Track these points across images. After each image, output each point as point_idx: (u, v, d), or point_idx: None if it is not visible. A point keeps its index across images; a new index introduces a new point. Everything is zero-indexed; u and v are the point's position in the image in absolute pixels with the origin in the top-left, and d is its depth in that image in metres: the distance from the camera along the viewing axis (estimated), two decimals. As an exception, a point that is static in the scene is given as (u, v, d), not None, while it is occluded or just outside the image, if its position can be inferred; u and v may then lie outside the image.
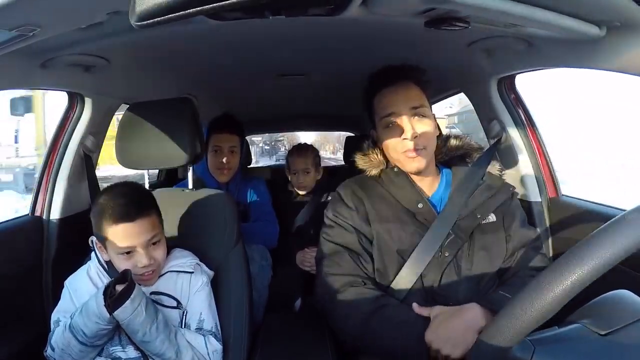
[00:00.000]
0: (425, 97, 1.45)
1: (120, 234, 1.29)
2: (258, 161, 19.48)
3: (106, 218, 1.28)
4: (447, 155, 1.59)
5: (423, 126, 1.41)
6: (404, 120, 1.41)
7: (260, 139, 30.03)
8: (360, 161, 1.57)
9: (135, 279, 1.35)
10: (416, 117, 1.41)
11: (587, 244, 0.62)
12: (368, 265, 1.44)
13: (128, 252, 1.31)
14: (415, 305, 1.29)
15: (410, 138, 1.39)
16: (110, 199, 1.31)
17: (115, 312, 1.20)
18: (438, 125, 1.50)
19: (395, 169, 1.51)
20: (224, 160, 2.35)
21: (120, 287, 1.23)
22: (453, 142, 1.60)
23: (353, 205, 1.48)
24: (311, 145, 2.96)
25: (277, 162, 7.78)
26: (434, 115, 1.49)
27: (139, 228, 1.31)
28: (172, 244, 1.46)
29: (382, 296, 1.35)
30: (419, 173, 1.47)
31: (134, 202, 1.32)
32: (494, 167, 1.58)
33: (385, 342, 1.29)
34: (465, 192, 1.47)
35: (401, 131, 1.41)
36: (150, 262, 1.33)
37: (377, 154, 1.54)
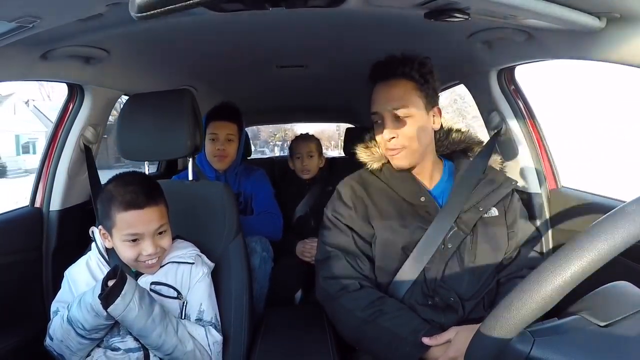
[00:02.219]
0: (417, 93, 1.43)
1: (129, 221, 1.30)
2: (281, 153, 24.49)
3: (115, 204, 1.29)
4: (448, 148, 1.59)
5: (402, 126, 1.42)
6: (384, 120, 1.43)
7: (281, 142, 41.69)
8: (362, 154, 1.57)
9: (137, 265, 1.36)
10: (396, 118, 1.42)
11: (586, 235, 0.62)
12: (364, 266, 1.44)
13: (134, 240, 1.31)
14: (426, 339, 1.25)
15: (387, 139, 1.42)
16: (121, 186, 1.32)
17: (108, 309, 1.21)
18: (440, 117, 1.51)
19: None
20: (220, 147, 2.34)
21: (111, 282, 1.23)
22: (455, 135, 1.60)
23: (352, 204, 1.49)
24: (313, 135, 3.04)
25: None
26: (438, 108, 1.49)
27: (148, 216, 1.32)
28: (172, 235, 1.46)
29: (378, 299, 1.36)
30: (411, 169, 1.48)
31: (144, 190, 1.33)
32: (495, 161, 1.59)
33: (380, 351, 1.32)
34: (468, 185, 1.47)
35: (382, 130, 1.44)
36: (156, 251, 1.34)
37: (378, 148, 1.54)
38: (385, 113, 1.43)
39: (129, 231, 1.30)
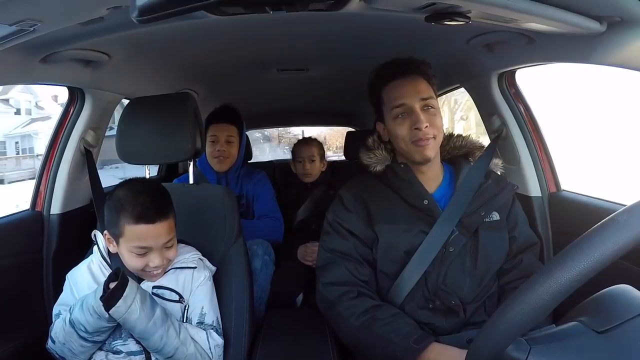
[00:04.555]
0: (432, 90, 1.47)
1: (139, 234, 1.28)
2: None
3: (125, 215, 1.27)
4: (449, 153, 1.59)
5: (432, 116, 1.43)
6: (415, 110, 1.42)
7: (288, 147, 44.09)
8: (365, 157, 1.57)
9: (142, 274, 1.36)
10: (426, 108, 1.43)
11: (579, 245, 0.62)
12: (364, 272, 1.44)
13: (143, 252, 1.31)
14: None
15: (422, 127, 1.41)
16: (131, 195, 1.30)
17: (110, 311, 1.21)
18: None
19: (402, 165, 1.51)
20: (220, 149, 2.35)
21: (113, 285, 1.23)
22: (456, 139, 1.60)
23: (353, 209, 1.49)
24: (316, 139, 3.03)
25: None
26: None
27: (158, 230, 1.30)
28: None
29: (372, 307, 1.36)
30: (425, 163, 1.47)
31: (155, 202, 1.31)
32: (496, 165, 1.58)
33: (375, 357, 1.32)
34: (469, 189, 1.47)
35: (412, 121, 1.42)
36: (162, 263, 1.34)
37: (382, 150, 1.54)
38: (415, 103, 1.43)
39: (137, 244, 1.29)
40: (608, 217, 0.62)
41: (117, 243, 1.33)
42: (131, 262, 1.32)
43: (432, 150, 1.44)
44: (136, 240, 1.29)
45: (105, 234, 1.37)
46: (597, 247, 0.60)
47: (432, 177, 1.52)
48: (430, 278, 1.40)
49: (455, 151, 1.59)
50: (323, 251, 1.51)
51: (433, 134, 1.42)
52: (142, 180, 1.42)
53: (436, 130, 1.43)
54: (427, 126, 1.41)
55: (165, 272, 1.41)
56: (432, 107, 1.44)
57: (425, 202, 1.45)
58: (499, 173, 1.58)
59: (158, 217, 1.29)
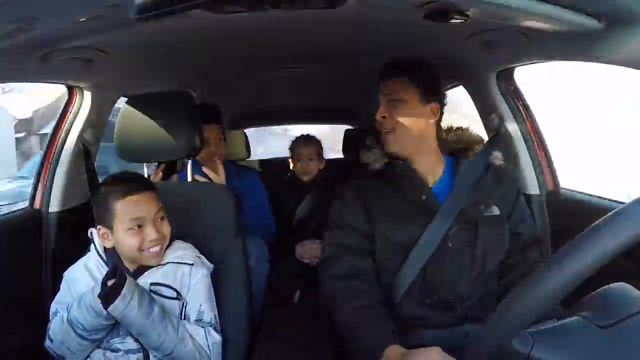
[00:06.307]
0: (416, 89, 1.49)
1: (131, 206, 1.33)
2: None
3: (114, 196, 1.33)
4: (447, 147, 1.59)
5: (393, 110, 1.48)
6: (381, 105, 1.50)
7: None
8: (364, 156, 1.58)
9: (142, 257, 1.37)
10: (389, 103, 1.49)
11: (586, 237, 0.62)
12: (368, 265, 1.45)
13: (139, 226, 1.34)
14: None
15: (379, 117, 1.49)
16: (115, 182, 1.39)
17: (108, 308, 1.22)
18: (439, 114, 1.54)
19: (401, 162, 1.52)
20: (215, 149, 2.35)
21: (110, 282, 1.24)
22: (450, 135, 1.60)
23: (354, 204, 1.50)
24: (314, 137, 3.05)
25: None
26: (436, 105, 1.52)
27: (147, 199, 1.36)
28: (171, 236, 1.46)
29: (362, 306, 1.34)
30: (411, 163, 1.50)
31: (136, 179, 1.40)
32: (496, 158, 1.58)
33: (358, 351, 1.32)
34: (468, 183, 1.47)
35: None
36: (158, 236, 1.36)
37: (380, 148, 1.55)
38: (382, 100, 1.50)
39: (132, 216, 1.33)
40: (617, 209, 0.62)
41: (112, 230, 1.35)
42: (129, 241, 1.34)
43: (394, 144, 1.50)
44: (130, 213, 1.33)
45: (99, 229, 1.38)
46: (607, 238, 0.60)
47: (432, 170, 1.53)
48: (429, 273, 1.40)
49: (453, 145, 1.59)
50: (326, 246, 1.52)
51: (391, 126, 1.48)
52: (122, 172, 1.50)
53: (394, 123, 1.48)
54: (383, 117, 1.49)
55: (162, 265, 1.41)
56: (397, 101, 1.48)
57: (424, 197, 1.46)
58: (498, 164, 1.57)
59: (144, 187, 1.37)
